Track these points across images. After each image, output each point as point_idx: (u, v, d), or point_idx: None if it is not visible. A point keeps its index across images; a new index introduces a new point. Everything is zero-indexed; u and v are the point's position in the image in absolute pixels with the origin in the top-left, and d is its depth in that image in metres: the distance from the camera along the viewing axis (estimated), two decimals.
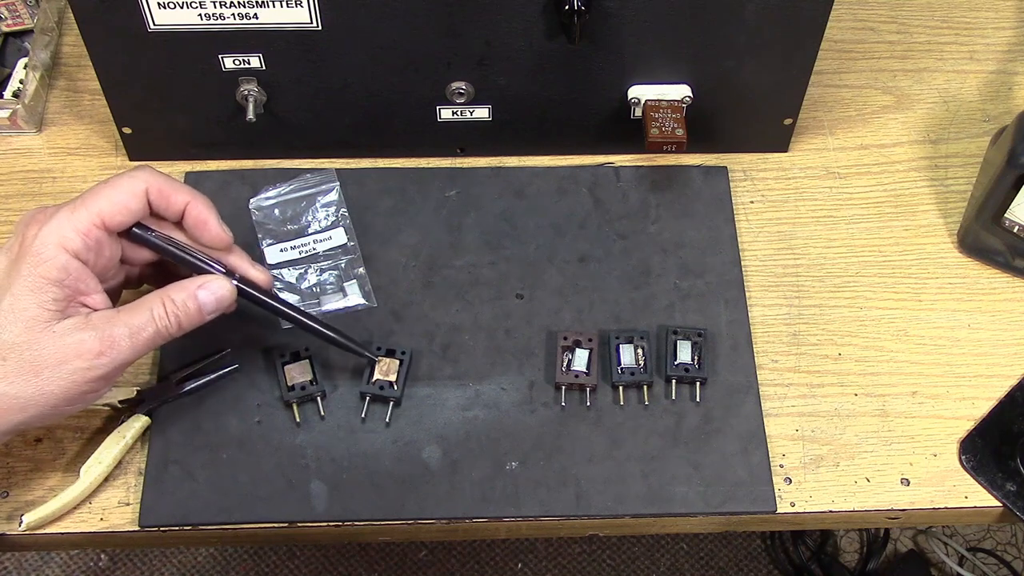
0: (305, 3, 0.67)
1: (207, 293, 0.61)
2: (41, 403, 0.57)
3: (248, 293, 0.64)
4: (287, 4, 0.67)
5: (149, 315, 0.60)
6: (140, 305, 0.60)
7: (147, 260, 0.64)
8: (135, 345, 0.59)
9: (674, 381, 0.69)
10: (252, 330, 0.70)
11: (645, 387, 0.69)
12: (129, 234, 0.61)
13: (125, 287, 0.65)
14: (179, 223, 0.63)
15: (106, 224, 0.59)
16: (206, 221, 0.62)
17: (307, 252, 0.74)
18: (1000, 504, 0.66)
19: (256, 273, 0.65)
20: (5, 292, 0.57)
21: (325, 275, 0.73)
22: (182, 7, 0.67)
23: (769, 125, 0.78)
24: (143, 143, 0.77)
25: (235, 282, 0.63)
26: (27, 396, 0.57)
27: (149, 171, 0.61)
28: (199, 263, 0.63)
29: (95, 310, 0.59)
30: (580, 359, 0.69)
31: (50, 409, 0.58)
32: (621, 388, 0.69)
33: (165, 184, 0.61)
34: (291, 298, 0.72)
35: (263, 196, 0.75)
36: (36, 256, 0.57)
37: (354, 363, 0.69)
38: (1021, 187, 0.70)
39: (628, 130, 0.76)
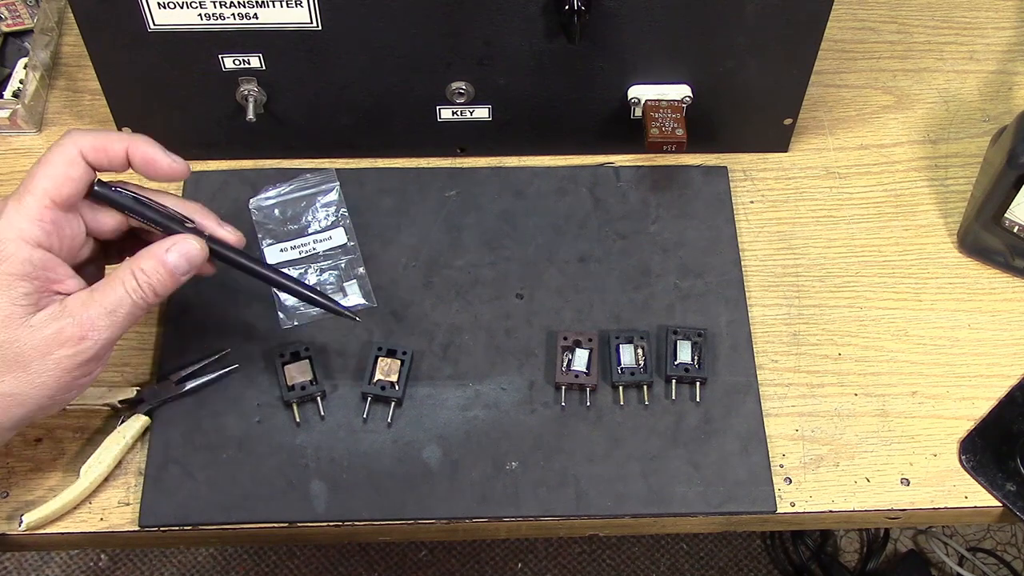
0: (305, 3, 0.67)
1: (176, 255, 0.59)
2: (36, 395, 0.57)
3: (219, 253, 0.62)
4: (287, 4, 0.67)
5: (122, 289, 0.58)
6: (111, 281, 0.58)
7: (113, 228, 0.62)
8: (114, 323, 0.58)
9: (674, 381, 0.69)
10: (252, 330, 0.70)
11: (645, 387, 0.69)
12: (91, 195, 0.60)
13: (106, 263, 0.64)
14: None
15: (56, 202, 0.57)
16: (153, 158, 0.60)
17: (307, 252, 0.74)
18: (1000, 504, 0.66)
19: (225, 232, 0.63)
20: None
21: (325, 275, 0.73)
22: (182, 7, 0.67)
23: (769, 125, 0.78)
24: None
25: (204, 241, 0.61)
26: (21, 391, 0.57)
27: (76, 132, 0.59)
28: (164, 220, 0.61)
29: (69, 294, 0.58)
30: (580, 359, 0.69)
31: (47, 400, 0.58)
32: (621, 388, 0.69)
33: (96, 139, 0.59)
34: (291, 298, 0.71)
35: (263, 196, 0.75)
36: None
37: (354, 363, 0.69)
38: (1021, 187, 0.70)
39: (628, 130, 0.76)
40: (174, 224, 0.61)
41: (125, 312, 0.58)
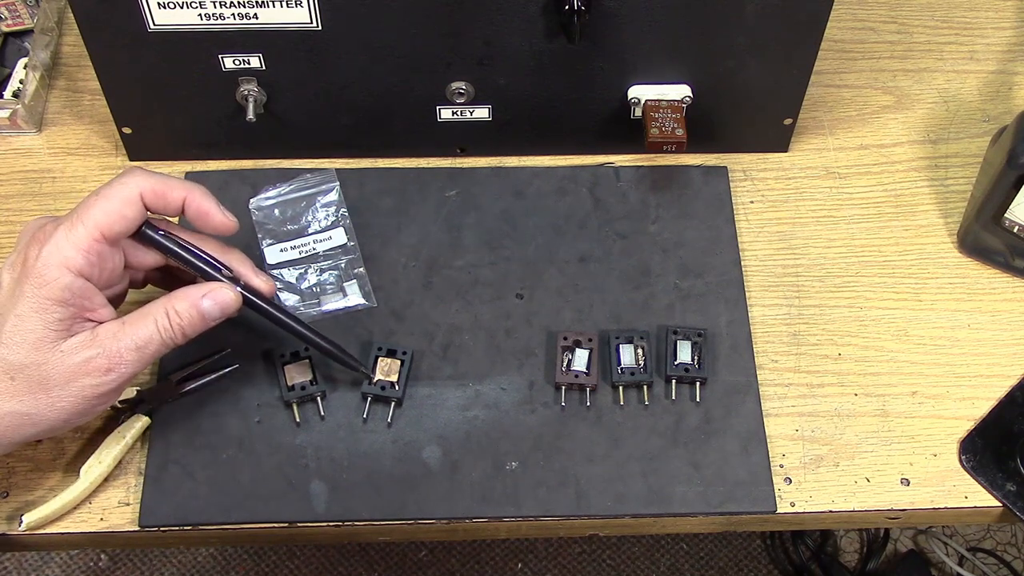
0: (305, 3, 0.67)
1: (210, 302, 0.61)
2: (52, 418, 0.58)
3: (251, 301, 0.64)
4: (287, 4, 0.67)
5: (154, 326, 0.59)
6: (144, 316, 0.59)
7: (152, 265, 0.64)
8: (142, 358, 0.59)
9: (674, 381, 0.69)
10: (252, 330, 0.70)
11: (645, 387, 0.69)
12: (138, 234, 0.61)
13: (130, 288, 0.65)
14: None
15: (105, 236, 0.58)
16: (207, 211, 0.62)
17: (307, 252, 0.74)
18: (1000, 504, 0.66)
19: (259, 282, 0.64)
20: (10, 312, 0.57)
21: (325, 275, 0.73)
22: (182, 7, 0.67)
23: (769, 125, 0.78)
24: (143, 143, 0.77)
25: (239, 289, 0.63)
26: (38, 413, 0.57)
27: (140, 173, 0.60)
28: (205, 267, 0.62)
29: (100, 323, 0.59)
30: (580, 359, 0.69)
31: (61, 423, 0.59)
32: (621, 388, 0.69)
33: (158, 183, 0.60)
34: (291, 298, 0.72)
35: (263, 196, 0.75)
36: (39, 277, 0.57)
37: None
38: (1021, 187, 0.70)
39: (628, 130, 0.76)
40: (212, 271, 0.63)
41: (153, 350, 0.60)
